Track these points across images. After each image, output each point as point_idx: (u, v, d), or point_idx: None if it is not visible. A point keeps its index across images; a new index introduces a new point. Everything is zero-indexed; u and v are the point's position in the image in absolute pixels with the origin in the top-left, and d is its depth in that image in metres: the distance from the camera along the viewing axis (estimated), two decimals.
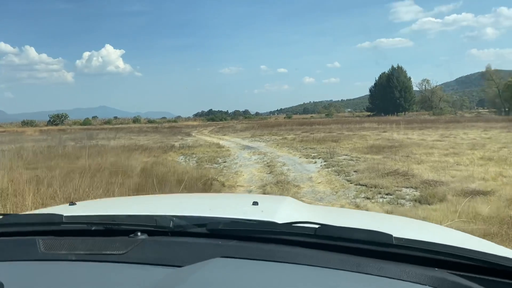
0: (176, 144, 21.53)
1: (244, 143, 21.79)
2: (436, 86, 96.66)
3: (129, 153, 14.89)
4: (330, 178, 9.19)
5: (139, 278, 0.93)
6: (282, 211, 1.57)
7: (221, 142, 23.49)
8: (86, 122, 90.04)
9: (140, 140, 26.79)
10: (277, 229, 1.11)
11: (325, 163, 11.89)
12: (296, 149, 16.85)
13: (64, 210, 1.45)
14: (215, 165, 12.45)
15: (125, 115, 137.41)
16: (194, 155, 15.24)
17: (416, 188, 7.61)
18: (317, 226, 1.07)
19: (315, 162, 12.21)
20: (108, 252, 1.04)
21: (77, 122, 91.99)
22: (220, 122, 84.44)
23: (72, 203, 1.69)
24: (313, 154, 14.27)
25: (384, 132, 26.65)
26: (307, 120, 69.83)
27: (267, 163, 12.41)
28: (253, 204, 1.55)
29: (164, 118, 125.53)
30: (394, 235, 1.00)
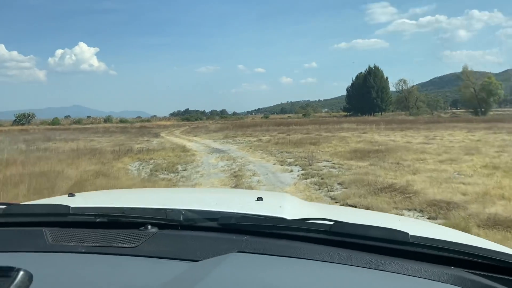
0: (137, 146, 19.33)
1: (214, 146, 19.79)
2: (413, 86, 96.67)
3: (76, 159, 12.71)
4: (310, 195, 7.31)
5: (153, 271, 0.90)
6: (288, 207, 1.54)
7: (189, 144, 21.41)
8: (54, 122, 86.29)
9: (100, 142, 24.43)
10: (290, 225, 1.10)
11: (303, 171, 10.02)
12: (271, 153, 14.97)
13: (66, 201, 1.42)
14: (171, 174, 10.41)
15: (99, 114, 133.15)
16: (152, 161, 13.15)
17: (422, 211, 5.81)
18: (331, 223, 1.06)
19: (291, 171, 10.33)
20: (119, 245, 1.01)
21: (45, 122, 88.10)
22: (195, 122, 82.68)
23: (71, 194, 1.66)
24: (289, 160, 12.40)
25: (364, 133, 25.13)
26: (284, 120, 68.29)
27: (235, 172, 10.46)
28: (257, 200, 1.54)
29: (139, 117, 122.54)
30: (410, 233, 0.98)
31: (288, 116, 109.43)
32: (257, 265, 0.95)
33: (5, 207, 1.23)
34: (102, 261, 0.97)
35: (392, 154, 12.29)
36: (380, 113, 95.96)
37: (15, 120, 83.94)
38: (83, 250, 1.01)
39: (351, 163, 11.09)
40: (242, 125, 42.57)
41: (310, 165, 10.84)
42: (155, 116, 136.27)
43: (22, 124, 76.28)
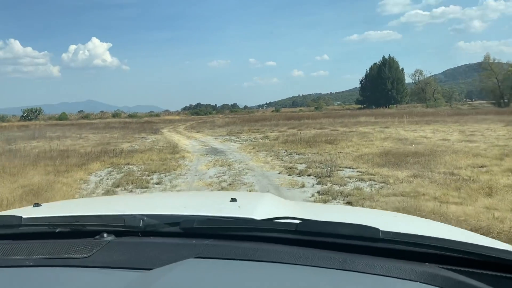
0: (124, 146, 16.60)
1: (213, 144, 16.95)
2: (430, 77, 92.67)
3: (29, 166, 9.99)
4: None
5: (103, 283, 0.87)
6: (261, 207, 1.48)
7: (185, 142, 18.61)
8: (62, 117, 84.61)
9: (89, 140, 21.78)
10: (255, 225, 1.07)
11: (319, 187, 7.13)
12: (277, 155, 12.06)
13: (27, 212, 1.33)
14: (137, 190, 7.59)
15: (113, 109, 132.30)
16: (126, 168, 10.38)
17: None
18: (298, 221, 1.01)
19: (303, 186, 7.42)
20: (70, 256, 0.97)
21: (53, 117, 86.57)
22: (204, 116, 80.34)
23: (37, 204, 1.58)
24: (300, 167, 9.48)
25: (386, 128, 22.07)
26: (295, 114, 65.04)
27: (225, 186, 7.61)
28: (231, 201, 1.47)
29: (151, 112, 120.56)
30: (380, 229, 0.94)
31: (300, 110, 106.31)
32: (215, 271, 0.90)
33: None
34: (51, 274, 0.92)
35: (437, 159, 9.28)
36: (395, 105, 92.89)
37: (22, 116, 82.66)
38: (31, 263, 0.95)
39: (385, 172, 8.14)
40: (250, 120, 39.60)
41: (329, 176, 7.93)
42: (167, 110, 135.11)
43: (30, 120, 75.05)
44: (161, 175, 9.16)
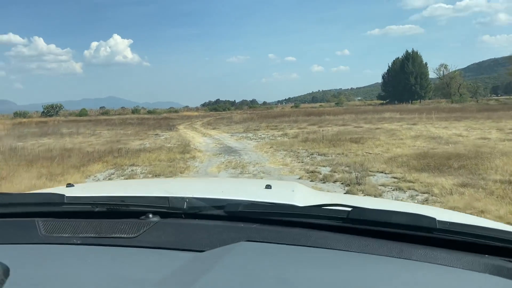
0: (135, 144, 15.66)
1: (228, 142, 15.84)
2: (456, 71, 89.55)
3: (25, 167, 9.07)
4: None
5: (154, 263, 0.84)
6: (298, 194, 1.45)
7: (199, 140, 17.57)
8: (82, 113, 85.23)
9: (101, 136, 20.99)
10: (303, 212, 1.05)
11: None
12: (297, 155, 10.86)
13: (63, 191, 1.27)
14: None
15: (133, 105, 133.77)
16: (129, 170, 9.35)
17: None
18: (349, 209, 0.97)
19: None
20: (117, 236, 0.95)
21: (73, 113, 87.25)
22: (223, 112, 79.43)
23: (69, 185, 1.58)
24: (323, 171, 8.27)
25: (414, 124, 20.56)
26: (315, 109, 63.46)
27: None
28: (266, 188, 1.47)
29: (171, 108, 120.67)
30: (437, 219, 0.91)
31: (320, 105, 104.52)
32: (268, 255, 0.89)
33: None
34: (99, 253, 0.91)
35: (485, 162, 7.92)
36: (418, 100, 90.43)
37: (43, 112, 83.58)
38: (78, 242, 0.95)
39: (426, 179, 6.85)
40: (268, 116, 38.41)
41: (359, 183, 6.70)
42: (187, 106, 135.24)
43: (50, 116, 75.84)
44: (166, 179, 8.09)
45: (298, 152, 11.43)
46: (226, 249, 0.88)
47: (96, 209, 1.08)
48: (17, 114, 79.96)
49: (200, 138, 18.58)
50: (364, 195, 5.78)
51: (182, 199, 1.08)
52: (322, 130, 18.24)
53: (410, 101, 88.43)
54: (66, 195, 1.12)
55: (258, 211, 1.05)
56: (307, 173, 8.12)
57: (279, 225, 0.99)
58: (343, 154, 10.52)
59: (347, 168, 8.25)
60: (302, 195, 1.47)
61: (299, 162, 9.70)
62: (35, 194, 1.26)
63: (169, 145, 15.17)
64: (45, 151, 12.72)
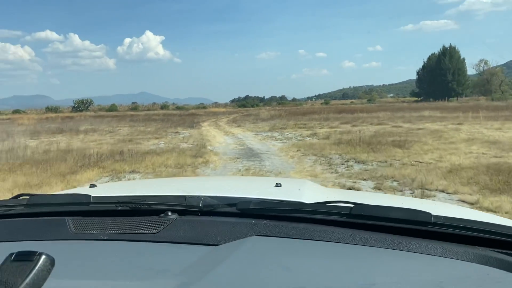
0: (149, 143, 14.21)
1: (250, 143, 14.13)
2: (497, 67, 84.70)
3: (3, 175, 7.65)
4: None
5: (173, 256, 0.92)
6: (307, 192, 1.53)
7: (220, 139, 15.94)
8: (111, 108, 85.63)
9: (118, 134, 19.72)
10: (309, 208, 1.10)
11: None
12: (329, 163, 9.02)
13: (87, 191, 1.37)
14: None
15: (164, 101, 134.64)
16: (128, 177, 7.79)
17: None
18: (351, 205, 1.04)
19: None
20: (140, 232, 1.02)
21: (103, 108, 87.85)
22: (251, 108, 77.87)
23: (92, 185, 1.67)
24: (365, 187, 6.41)
25: (460, 124, 18.27)
26: (346, 106, 60.78)
27: None
28: (276, 186, 1.54)
29: (201, 104, 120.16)
30: (432, 213, 0.98)
31: (351, 102, 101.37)
32: (277, 248, 0.94)
33: (29, 198, 1.22)
34: (124, 247, 0.98)
35: None
36: (455, 98, 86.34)
37: (73, 107, 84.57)
38: (105, 238, 1.02)
39: (509, 206, 4.91)
40: (297, 113, 36.38)
41: None
42: (216, 102, 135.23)
43: (80, 111, 76.56)
44: None
45: (331, 158, 9.58)
46: (238, 243, 0.94)
47: (120, 208, 1.15)
48: (48, 109, 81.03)
49: (221, 137, 16.96)
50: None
51: (198, 197, 1.14)
52: (359, 132, 16.25)
53: (446, 99, 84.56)
54: (92, 195, 1.18)
55: (268, 208, 1.11)
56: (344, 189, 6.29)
57: (287, 221, 1.04)
58: (386, 162, 8.61)
59: (395, 184, 6.39)
60: (310, 192, 1.54)
61: (332, 173, 7.87)
62: (64, 195, 1.34)
63: (185, 145, 13.61)
64: (43, 152, 11.39)
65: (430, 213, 0.97)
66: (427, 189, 5.99)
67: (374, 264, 0.86)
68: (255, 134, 17.99)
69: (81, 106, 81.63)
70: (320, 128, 19.22)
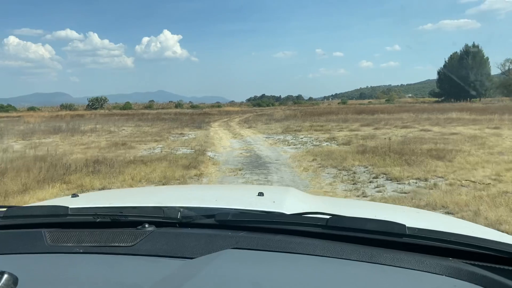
0: (144, 147, 12.50)
1: (259, 148, 12.29)
2: None
3: None
4: None
5: (149, 270, 0.90)
6: (289, 202, 1.53)
7: (226, 143, 14.15)
8: (126, 106, 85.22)
9: (117, 135, 18.10)
10: (286, 220, 1.09)
11: None
12: (353, 179, 7.10)
13: (68, 202, 1.40)
14: None
15: (182, 99, 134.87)
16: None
17: None
18: (328, 216, 1.04)
19: None
20: (116, 244, 1.00)
21: (117, 106, 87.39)
22: (266, 107, 76.20)
23: (74, 195, 1.64)
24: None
25: (497, 128, 16.13)
26: (364, 106, 58.40)
27: None
28: (258, 195, 1.51)
29: (217, 102, 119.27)
30: (407, 225, 0.97)
31: (369, 102, 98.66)
32: (251, 261, 0.94)
33: (6, 210, 1.20)
34: (99, 261, 0.97)
35: None
36: (478, 98, 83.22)
37: (88, 104, 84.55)
38: (81, 250, 1.00)
39: None
40: (313, 113, 34.34)
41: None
42: (232, 101, 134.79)
43: (95, 108, 76.51)
44: None
45: (355, 173, 7.65)
46: (213, 256, 0.93)
47: (98, 220, 1.12)
48: (63, 107, 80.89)
49: (228, 141, 15.16)
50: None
51: (176, 209, 1.12)
52: (379, 133, 14.26)
53: (468, 99, 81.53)
54: (70, 206, 1.16)
55: (246, 219, 1.09)
56: None
57: (265, 233, 1.03)
58: (426, 180, 6.66)
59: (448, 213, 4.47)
60: (292, 201, 1.54)
61: (359, 196, 5.96)
62: (42, 207, 1.29)
63: (184, 150, 11.86)
64: (17, 158, 9.75)
65: (404, 225, 0.96)
66: (498, 230, 4.08)
67: (345, 277, 0.87)
68: (266, 137, 16.15)
69: (95, 104, 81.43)
70: (338, 131, 17.27)
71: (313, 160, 9.37)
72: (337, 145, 12.31)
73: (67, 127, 22.46)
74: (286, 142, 13.90)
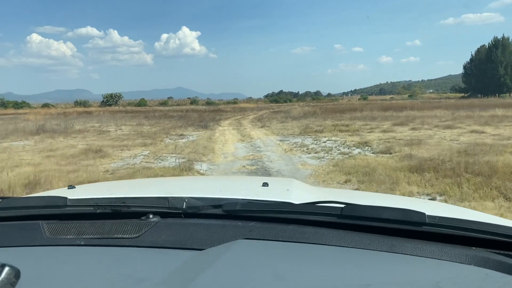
0: (120, 155, 9.70)
1: (269, 157, 9.35)
2: None
3: None
4: None
5: (155, 262, 0.86)
6: (295, 191, 1.46)
7: (229, 149, 11.26)
8: (140, 103, 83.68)
9: (108, 136, 15.36)
10: (298, 209, 1.06)
11: None
12: None
13: (65, 193, 1.29)
14: None
15: (200, 96, 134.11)
16: None
17: None
18: (342, 205, 1.00)
19: None
20: (120, 236, 0.97)
21: (132, 103, 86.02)
22: (284, 104, 73.27)
23: (71, 186, 1.59)
24: None
25: None
26: (387, 102, 54.86)
27: None
28: (263, 186, 1.45)
29: (235, 99, 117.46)
30: (426, 213, 0.93)
31: (391, 97, 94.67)
32: (265, 252, 0.90)
33: (1, 201, 1.16)
34: (102, 253, 0.93)
35: None
36: (508, 94, 78.73)
37: (102, 101, 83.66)
38: (82, 243, 0.96)
39: None
40: (334, 109, 31.14)
41: None
42: (250, 97, 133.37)
43: (109, 105, 75.58)
44: None
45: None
46: (224, 247, 0.89)
47: (98, 211, 1.09)
48: (77, 103, 79.92)
49: (232, 145, 12.26)
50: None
51: (181, 199, 1.08)
52: (421, 135, 11.08)
53: (497, 94, 77.05)
54: (69, 197, 1.12)
55: (255, 209, 1.06)
56: None
57: (275, 223, 1.00)
58: None
59: None
60: (298, 192, 1.48)
61: None
62: (39, 198, 1.24)
63: (172, 159, 9.02)
64: None
65: (424, 213, 0.92)
66: None
67: (366, 268, 0.82)
68: (280, 140, 13.18)
69: (110, 100, 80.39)
70: (369, 132, 14.17)
71: (346, 181, 6.39)
72: (373, 153, 9.27)
73: (59, 127, 19.96)
74: (305, 148, 10.90)
